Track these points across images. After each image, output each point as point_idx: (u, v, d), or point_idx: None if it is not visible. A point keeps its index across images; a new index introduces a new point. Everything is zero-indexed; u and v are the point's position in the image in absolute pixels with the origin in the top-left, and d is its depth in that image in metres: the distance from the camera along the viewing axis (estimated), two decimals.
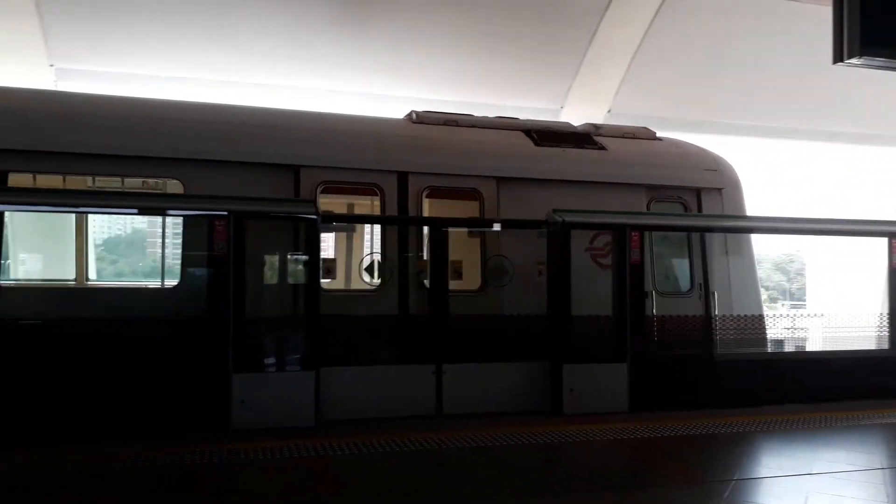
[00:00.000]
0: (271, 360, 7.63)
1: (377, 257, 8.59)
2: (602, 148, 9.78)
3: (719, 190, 9.98)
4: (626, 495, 5.47)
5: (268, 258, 8.09)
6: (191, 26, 12.20)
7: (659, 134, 10.54)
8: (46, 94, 9.27)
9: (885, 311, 9.52)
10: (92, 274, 9.16)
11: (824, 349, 9.78)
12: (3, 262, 7.87)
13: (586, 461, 6.52)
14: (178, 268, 8.04)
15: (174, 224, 8.31)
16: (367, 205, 9.51)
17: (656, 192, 9.78)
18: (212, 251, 7.41)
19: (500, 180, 9.14)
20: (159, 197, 8.30)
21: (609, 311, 8.49)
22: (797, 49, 14.59)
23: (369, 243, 9.41)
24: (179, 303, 7.79)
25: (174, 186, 8.26)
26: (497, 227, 8.98)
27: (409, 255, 8.65)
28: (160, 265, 8.24)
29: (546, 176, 9.30)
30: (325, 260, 8.05)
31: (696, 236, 9.52)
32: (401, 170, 8.78)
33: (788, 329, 9.90)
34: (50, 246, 9.52)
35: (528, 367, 8.33)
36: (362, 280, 8.76)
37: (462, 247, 8.91)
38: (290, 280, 8.43)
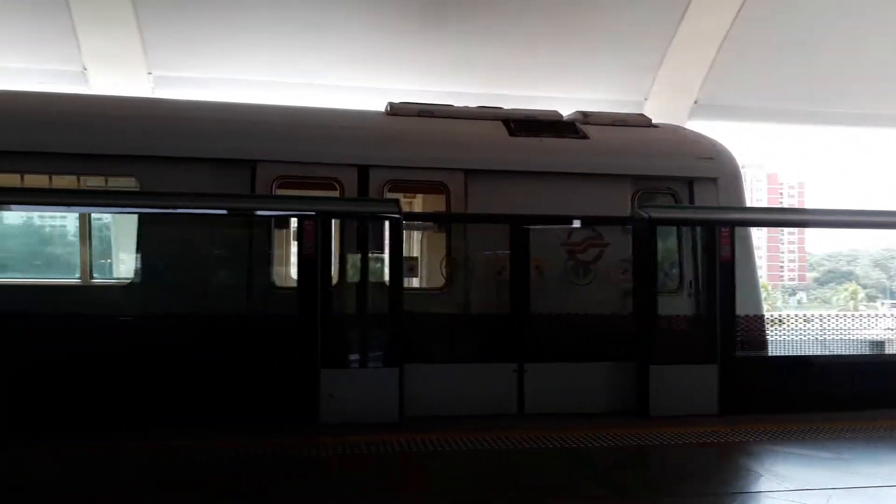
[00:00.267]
0: (357, 357, 7.82)
1: (457, 256, 8.62)
2: (584, 137, 9.28)
3: (714, 180, 9.30)
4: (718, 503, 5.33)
5: (353, 257, 8.30)
6: (278, 32, 12.58)
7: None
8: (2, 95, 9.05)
9: None
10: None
11: None
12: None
13: (673, 464, 6.38)
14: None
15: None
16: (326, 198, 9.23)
17: (643, 182, 9.20)
18: (301, 250, 7.62)
19: (469, 173, 8.78)
20: (249, 198, 8.55)
21: (695, 310, 8.24)
22: None
23: (446, 241, 9.25)
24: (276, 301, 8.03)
25: (129, 184, 8.29)
26: (577, 223, 8.87)
27: (489, 252, 8.65)
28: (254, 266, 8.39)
29: (520, 167, 8.83)
30: (407, 258, 8.17)
31: (686, 231, 8.92)
32: (361, 163, 8.57)
33: (891, 330, 9.35)
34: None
35: (613, 367, 8.19)
36: (442, 278, 8.82)
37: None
38: (375, 278, 8.61)
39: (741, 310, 8.39)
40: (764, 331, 8.67)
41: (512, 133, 9.16)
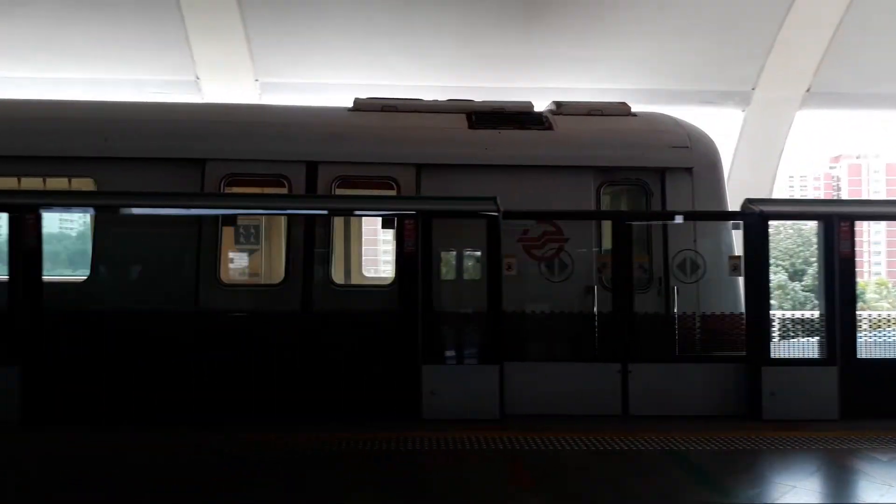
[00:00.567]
0: (458, 354, 7.88)
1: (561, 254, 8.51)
2: (548, 128, 8.97)
3: (689, 170, 8.79)
4: None
5: (453, 255, 8.38)
6: (376, 35, 12.83)
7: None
8: None
9: None
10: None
11: None
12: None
13: (787, 470, 6.05)
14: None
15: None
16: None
17: (609, 174, 8.82)
18: (401, 249, 7.75)
19: (422, 167, 8.67)
20: (350, 199, 8.78)
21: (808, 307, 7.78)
22: None
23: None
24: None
25: (87, 184, 8.55)
26: (679, 219, 8.59)
27: (590, 250, 8.52)
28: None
29: (476, 161, 8.67)
30: (507, 256, 8.14)
31: (657, 225, 8.53)
32: (309, 160, 8.59)
33: None
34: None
35: (723, 368, 7.88)
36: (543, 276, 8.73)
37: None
38: (474, 276, 8.65)
39: (714, 307, 8.12)
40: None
41: (471, 126, 8.98)
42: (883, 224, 43.46)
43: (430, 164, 8.71)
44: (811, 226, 8.31)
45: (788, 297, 28.95)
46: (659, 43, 13.51)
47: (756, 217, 7.90)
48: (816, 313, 8.07)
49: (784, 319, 7.97)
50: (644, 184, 8.85)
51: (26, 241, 7.44)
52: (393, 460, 6.14)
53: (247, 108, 9.98)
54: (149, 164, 8.41)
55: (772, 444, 6.63)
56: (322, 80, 13.14)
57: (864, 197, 45.59)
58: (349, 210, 8.64)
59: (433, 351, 7.68)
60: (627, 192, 9.04)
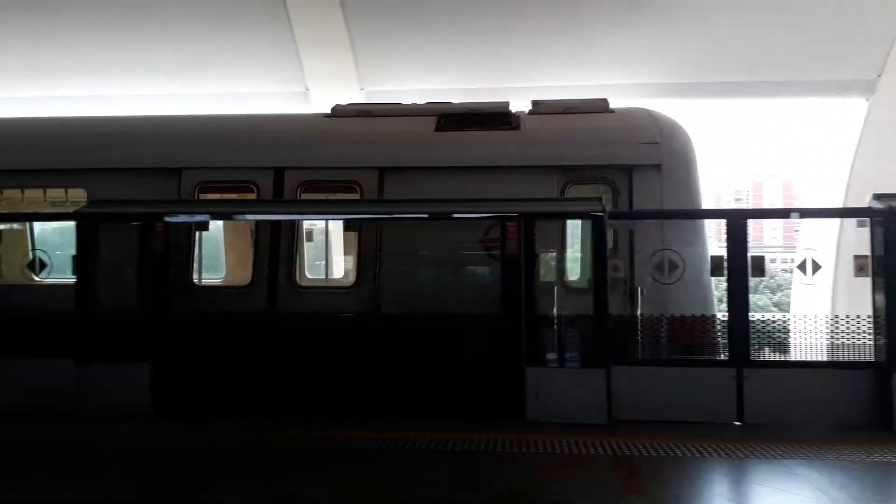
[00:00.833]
0: (562, 356, 7.78)
1: (669, 254, 8.24)
2: (515, 128, 8.85)
3: (657, 166, 8.45)
4: None
5: (557, 256, 8.30)
6: (476, 40, 12.90)
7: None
8: None
9: None
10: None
11: None
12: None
13: None
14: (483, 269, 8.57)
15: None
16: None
17: (574, 173, 8.61)
18: (504, 251, 7.74)
19: (385, 170, 8.75)
20: (450, 202, 8.82)
21: None
22: None
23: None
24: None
25: (80, 195, 9.07)
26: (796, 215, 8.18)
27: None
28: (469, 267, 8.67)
29: (440, 163, 8.62)
30: (612, 257, 7.99)
31: (623, 224, 8.28)
32: (277, 166, 8.86)
33: None
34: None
35: (850, 374, 7.38)
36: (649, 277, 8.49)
37: None
38: (578, 278, 8.55)
39: (680, 309, 7.76)
40: (714, 333, 7.73)
41: (438, 128, 8.94)
42: None
43: (393, 167, 8.81)
44: None
45: None
46: (770, 32, 12.85)
47: (887, 213, 7.35)
48: None
49: None
50: (611, 182, 8.63)
51: (155, 247, 7.98)
52: (499, 460, 6.15)
53: (220, 119, 10.44)
54: (134, 175, 9.02)
55: None
56: (424, 86, 13.38)
57: None
58: (447, 214, 8.66)
59: (537, 353, 7.62)
60: (594, 190, 8.76)
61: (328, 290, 9.23)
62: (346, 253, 9.72)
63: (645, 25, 12.66)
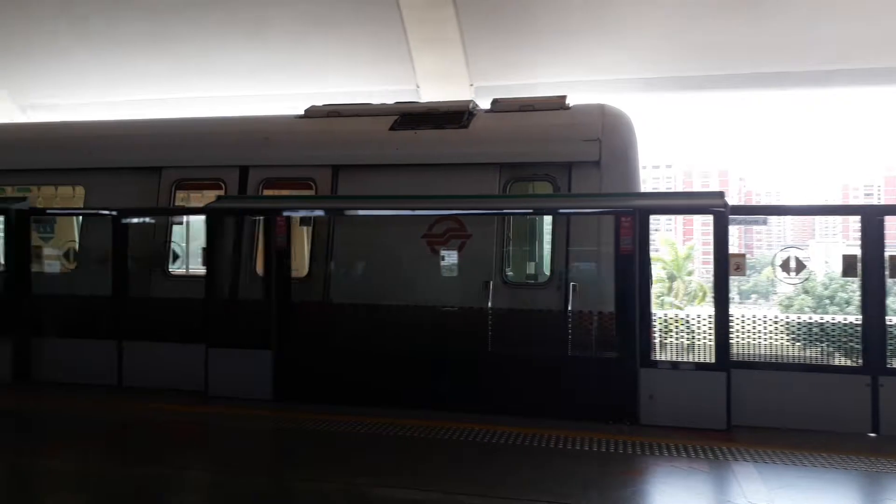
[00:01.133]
0: (680, 358, 7.52)
1: (796, 252, 7.80)
2: (463, 127, 9.02)
3: (596, 163, 8.40)
4: None
5: (668, 253, 8.03)
6: (582, 32, 12.69)
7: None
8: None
9: None
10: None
11: None
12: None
13: None
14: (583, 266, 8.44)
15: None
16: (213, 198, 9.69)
17: (515, 170, 8.74)
18: (618, 248, 7.57)
19: (338, 168, 9.14)
20: (561, 197, 8.73)
21: None
22: None
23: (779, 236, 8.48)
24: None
25: (80, 191, 10.17)
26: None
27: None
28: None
29: (390, 161, 8.96)
30: (733, 255, 7.64)
31: (562, 218, 8.34)
32: (242, 164, 9.50)
33: None
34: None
35: None
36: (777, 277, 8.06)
37: None
38: (693, 275, 8.24)
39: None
40: (650, 331, 7.53)
41: (392, 128, 9.23)
42: None
43: (346, 165, 9.22)
44: None
45: None
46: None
47: None
48: None
49: None
50: (553, 179, 8.69)
51: (277, 240, 8.37)
52: (606, 460, 6.05)
53: (196, 121, 11.25)
54: (123, 173, 9.93)
55: None
56: (535, 80, 13.32)
57: None
58: (553, 209, 8.55)
59: (651, 354, 7.42)
60: (536, 187, 8.87)
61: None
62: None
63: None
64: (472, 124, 9.18)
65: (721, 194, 7.57)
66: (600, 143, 8.57)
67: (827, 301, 26.78)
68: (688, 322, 7.75)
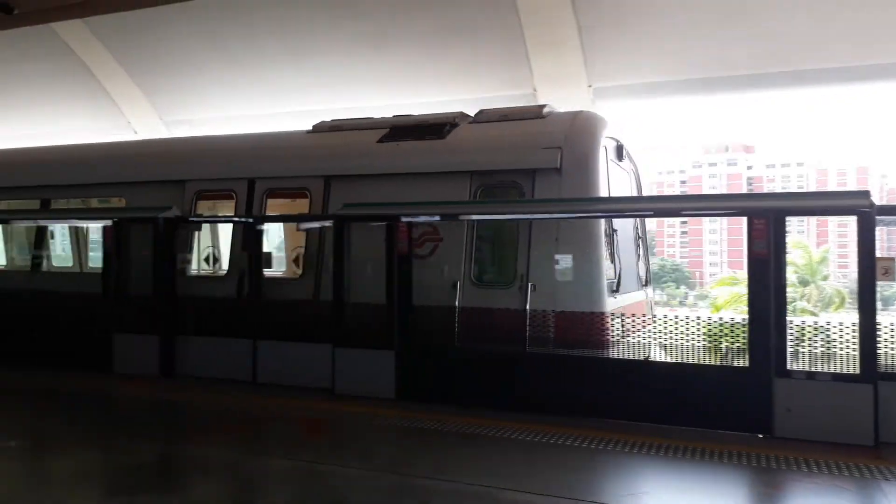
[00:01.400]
0: (820, 368, 7.05)
1: None
2: (441, 138, 9.48)
3: (557, 170, 8.58)
4: None
5: (800, 257, 7.57)
6: (705, 27, 12.17)
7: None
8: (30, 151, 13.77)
9: None
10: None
11: None
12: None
13: None
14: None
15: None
16: (228, 206, 10.83)
17: (484, 178, 9.09)
18: (751, 250, 7.22)
19: (330, 179, 9.81)
20: (692, 198, 8.48)
21: None
22: None
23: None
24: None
25: (119, 202, 11.36)
26: None
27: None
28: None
29: (375, 171, 9.56)
30: (881, 259, 7.08)
31: (524, 221, 8.67)
32: (250, 176, 10.34)
33: None
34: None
35: None
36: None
37: None
38: (829, 279, 7.72)
39: (570, 306, 8.03)
40: (604, 330, 7.90)
41: (380, 140, 9.80)
42: None
43: (337, 175, 9.85)
44: None
45: None
46: None
47: None
48: None
49: None
50: (519, 186, 8.96)
51: (399, 245, 8.60)
52: (734, 474, 5.76)
53: (215, 139, 12.43)
54: (157, 186, 10.93)
55: None
56: (654, 78, 12.93)
57: None
58: (676, 211, 8.34)
59: (789, 364, 7.00)
60: (503, 194, 9.17)
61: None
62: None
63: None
64: (451, 135, 9.64)
65: (867, 193, 7.05)
66: (561, 150, 8.81)
67: None
68: (828, 330, 7.26)
